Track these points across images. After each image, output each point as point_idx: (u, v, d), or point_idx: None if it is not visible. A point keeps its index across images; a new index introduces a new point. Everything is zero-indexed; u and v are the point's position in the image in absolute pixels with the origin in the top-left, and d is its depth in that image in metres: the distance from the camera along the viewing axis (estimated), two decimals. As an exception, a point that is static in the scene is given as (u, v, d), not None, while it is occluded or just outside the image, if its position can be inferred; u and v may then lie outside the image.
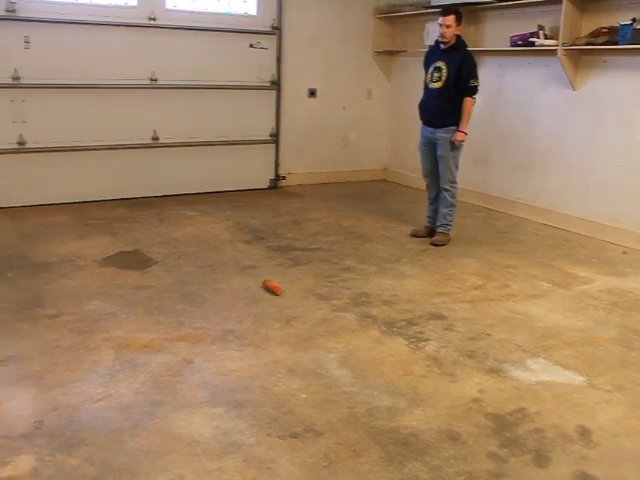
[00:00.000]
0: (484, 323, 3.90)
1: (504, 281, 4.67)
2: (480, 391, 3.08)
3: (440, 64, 5.38)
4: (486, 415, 2.87)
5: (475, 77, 5.34)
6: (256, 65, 7.38)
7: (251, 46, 7.33)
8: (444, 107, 5.37)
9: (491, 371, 3.29)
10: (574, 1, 5.69)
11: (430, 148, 5.56)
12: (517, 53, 6.43)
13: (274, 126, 7.67)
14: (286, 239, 5.54)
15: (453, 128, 5.37)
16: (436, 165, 5.62)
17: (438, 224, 5.61)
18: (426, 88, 5.54)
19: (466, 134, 5.38)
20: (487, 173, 7.04)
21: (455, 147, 5.42)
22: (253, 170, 7.64)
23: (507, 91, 6.71)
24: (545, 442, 2.68)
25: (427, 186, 5.75)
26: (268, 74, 7.50)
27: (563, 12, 5.70)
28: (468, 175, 7.26)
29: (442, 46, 5.39)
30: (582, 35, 5.71)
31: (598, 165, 5.86)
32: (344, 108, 8.14)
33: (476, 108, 6.97)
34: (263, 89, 7.51)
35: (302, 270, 4.75)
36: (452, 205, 5.56)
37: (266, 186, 7.74)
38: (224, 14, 7.14)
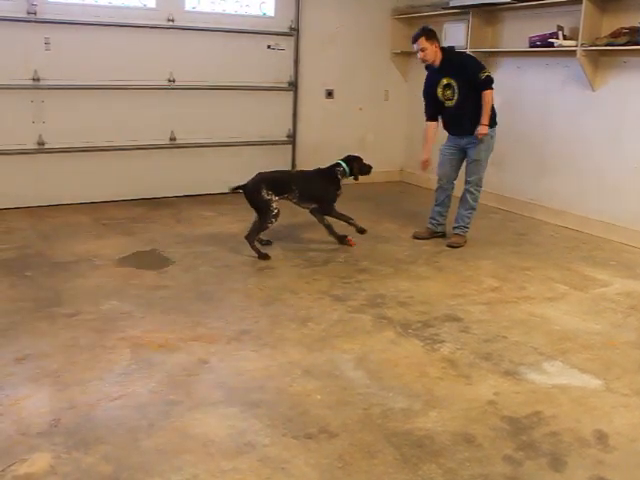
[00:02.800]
0: (500, 325, 3.88)
1: (520, 283, 4.65)
2: (496, 394, 3.06)
3: (446, 80, 5.32)
4: (502, 418, 2.85)
5: (482, 69, 5.26)
6: (274, 66, 7.39)
7: (269, 47, 7.34)
8: (471, 115, 5.29)
9: (507, 374, 3.27)
10: (594, 1, 5.64)
11: (457, 152, 5.52)
12: (536, 54, 6.39)
13: (291, 127, 7.69)
14: (302, 240, 5.55)
15: (488, 130, 5.31)
16: (456, 171, 5.60)
17: (456, 225, 5.59)
18: (444, 109, 5.46)
19: (488, 126, 5.28)
20: (504, 174, 6.99)
21: (486, 147, 5.35)
22: (270, 171, 7.64)
23: (525, 92, 6.66)
24: (561, 446, 2.66)
25: (439, 188, 5.68)
26: (286, 75, 7.51)
27: (583, 12, 5.64)
28: (484, 176, 7.23)
29: (435, 66, 5.34)
30: (602, 35, 5.66)
31: (616, 166, 5.80)
32: (361, 109, 8.13)
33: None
34: (280, 90, 7.52)
35: (318, 271, 4.75)
36: (473, 208, 5.54)
37: (283, 187, 7.74)
38: (242, 15, 7.16)
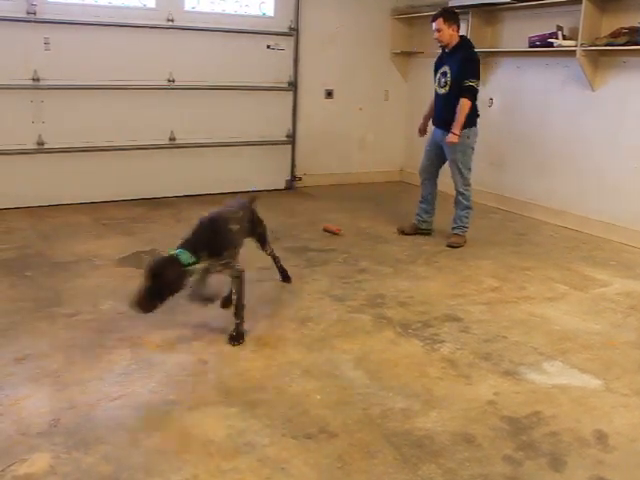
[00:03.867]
0: (500, 325, 3.88)
1: (520, 283, 4.64)
2: (495, 394, 3.06)
3: (445, 68, 5.36)
4: (501, 418, 2.86)
5: (472, 77, 5.19)
6: (273, 66, 7.39)
7: (268, 47, 7.34)
8: (452, 111, 5.29)
9: (507, 374, 3.27)
10: (594, 1, 5.64)
11: (435, 150, 5.56)
12: (535, 54, 6.39)
13: (290, 127, 7.68)
14: (302, 240, 5.55)
15: (462, 131, 5.28)
16: (436, 166, 5.64)
17: (454, 226, 5.59)
18: (435, 94, 5.53)
19: (459, 136, 5.22)
20: (503, 174, 7.00)
21: (462, 147, 5.34)
22: (269, 171, 7.65)
23: (525, 92, 6.67)
24: (561, 446, 2.66)
25: (421, 183, 5.75)
26: (285, 75, 7.51)
27: (582, 12, 5.65)
28: (484, 176, 7.23)
29: (446, 50, 5.37)
30: (602, 35, 5.66)
31: (616, 166, 5.80)
32: (361, 109, 8.13)
33: (493, 109, 6.97)
34: (280, 90, 7.51)
35: (317, 271, 4.75)
36: (468, 207, 5.54)
37: (282, 187, 7.74)
38: (242, 15, 7.16)
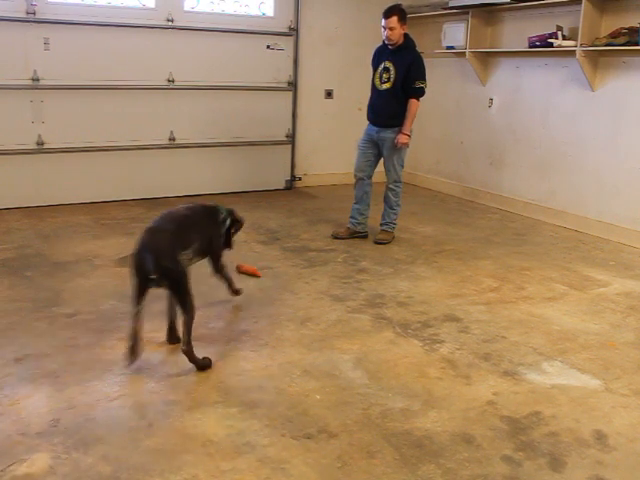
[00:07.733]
0: (499, 325, 3.88)
1: (520, 283, 4.65)
2: (495, 394, 3.07)
3: (388, 64, 5.32)
4: (501, 418, 2.86)
5: (422, 79, 5.26)
6: (273, 66, 7.39)
7: (268, 47, 7.34)
8: (393, 108, 5.32)
9: (506, 374, 3.27)
10: (594, 1, 5.64)
11: (371, 147, 5.52)
12: (535, 54, 6.39)
13: (290, 127, 7.68)
14: (301, 240, 5.55)
15: (399, 128, 5.31)
16: (373, 165, 5.59)
17: (382, 222, 5.62)
18: (374, 88, 5.50)
19: (409, 136, 5.30)
20: (502, 174, 7.00)
21: (403, 146, 5.37)
22: (269, 171, 7.66)
23: (525, 92, 6.67)
24: (560, 446, 2.66)
25: (356, 184, 5.64)
26: (285, 75, 7.51)
27: (582, 12, 5.65)
28: (483, 176, 7.24)
29: (390, 47, 5.31)
30: (601, 36, 5.66)
31: (615, 167, 5.80)
32: (360, 109, 8.10)
33: (493, 109, 6.97)
34: (280, 90, 7.52)
35: (317, 271, 4.75)
36: (397, 205, 5.56)
37: (282, 187, 7.75)
38: (242, 15, 7.16)
